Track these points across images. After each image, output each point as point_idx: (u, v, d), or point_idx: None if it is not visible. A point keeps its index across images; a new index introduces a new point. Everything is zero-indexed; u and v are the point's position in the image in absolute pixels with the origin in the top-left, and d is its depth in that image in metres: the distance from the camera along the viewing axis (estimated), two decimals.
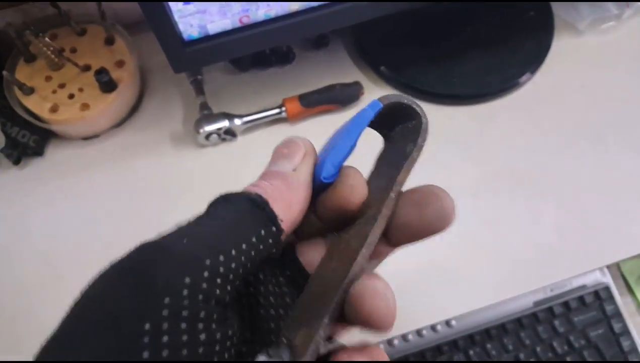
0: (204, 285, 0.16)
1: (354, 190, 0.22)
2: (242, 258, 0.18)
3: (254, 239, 0.18)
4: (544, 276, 0.45)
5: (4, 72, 0.47)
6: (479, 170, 0.49)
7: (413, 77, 0.52)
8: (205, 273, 0.16)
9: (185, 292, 0.16)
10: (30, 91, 0.49)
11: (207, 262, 0.17)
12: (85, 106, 0.49)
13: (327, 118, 0.52)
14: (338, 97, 0.51)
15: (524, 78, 0.53)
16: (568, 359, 0.59)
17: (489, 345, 0.60)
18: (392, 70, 0.53)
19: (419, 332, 0.60)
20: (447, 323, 0.61)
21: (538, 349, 0.59)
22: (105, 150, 0.52)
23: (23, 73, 0.50)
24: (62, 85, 0.50)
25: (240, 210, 0.20)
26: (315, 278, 0.21)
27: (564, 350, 0.59)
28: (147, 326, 0.15)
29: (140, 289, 0.16)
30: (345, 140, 0.25)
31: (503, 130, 0.51)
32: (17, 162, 0.51)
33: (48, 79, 0.50)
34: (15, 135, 0.49)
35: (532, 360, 0.59)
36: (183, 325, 0.15)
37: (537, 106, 0.52)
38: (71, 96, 0.50)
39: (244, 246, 0.18)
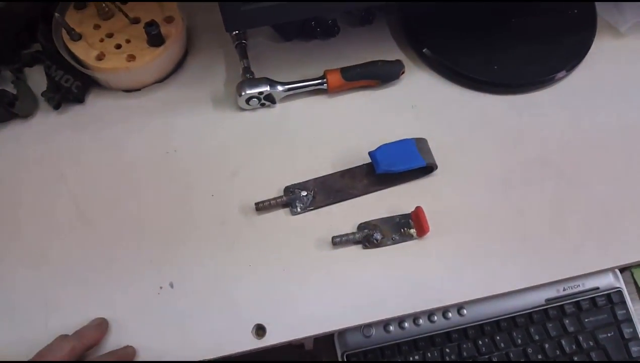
0: None
1: None
2: None
3: None
4: (565, 267, 0.45)
5: (55, 14, 0.48)
6: (512, 158, 0.50)
7: (455, 61, 0.53)
8: None
9: None
10: (78, 37, 0.50)
11: None
12: (131, 57, 0.50)
13: (366, 93, 0.53)
14: (379, 73, 0.51)
15: (561, 74, 0.53)
16: (575, 359, 0.60)
17: (498, 337, 0.60)
18: (435, 53, 0.53)
19: (430, 317, 0.61)
20: (459, 311, 0.61)
21: (546, 345, 0.60)
22: (146, 104, 0.52)
23: (72, 19, 0.51)
24: (110, 35, 0.51)
25: None
26: None
27: (572, 349, 0.60)
28: None
29: None
30: (402, 165, 0.46)
31: (538, 122, 0.52)
32: (57, 106, 0.51)
33: (97, 27, 0.51)
34: (59, 78, 0.50)
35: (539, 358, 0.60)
36: None
37: (574, 102, 0.53)
38: (118, 46, 0.50)
39: None
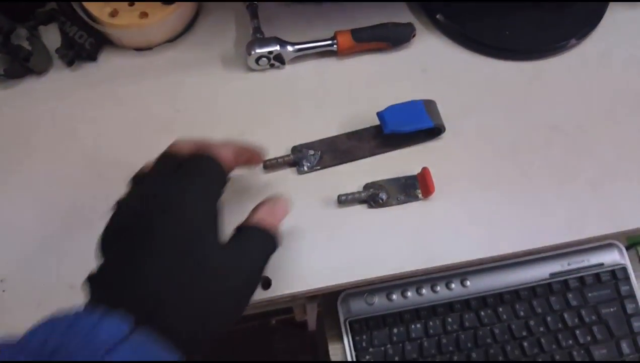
0: None
1: None
2: None
3: None
4: (568, 232, 0.45)
5: None
6: (520, 124, 0.50)
7: (467, 26, 0.53)
8: None
9: None
10: None
11: None
12: (144, 15, 0.50)
13: (375, 56, 0.53)
14: (390, 35, 0.51)
15: (572, 42, 0.53)
16: (577, 332, 0.60)
17: (500, 309, 0.61)
18: (448, 18, 0.53)
19: (433, 287, 0.61)
20: (462, 282, 0.62)
21: (548, 318, 0.60)
22: (156, 62, 0.53)
23: None
24: None
25: None
26: None
27: (574, 322, 0.60)
28: None
29: None
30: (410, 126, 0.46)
31: (548, 89, 0.52)
32: (70, 63, 0.52)
33: None
34: (73, 34, 0.51)
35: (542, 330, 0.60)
36: None
37: (583, 71, 0.53)
38: (131, 4, 0.51)
39: None
